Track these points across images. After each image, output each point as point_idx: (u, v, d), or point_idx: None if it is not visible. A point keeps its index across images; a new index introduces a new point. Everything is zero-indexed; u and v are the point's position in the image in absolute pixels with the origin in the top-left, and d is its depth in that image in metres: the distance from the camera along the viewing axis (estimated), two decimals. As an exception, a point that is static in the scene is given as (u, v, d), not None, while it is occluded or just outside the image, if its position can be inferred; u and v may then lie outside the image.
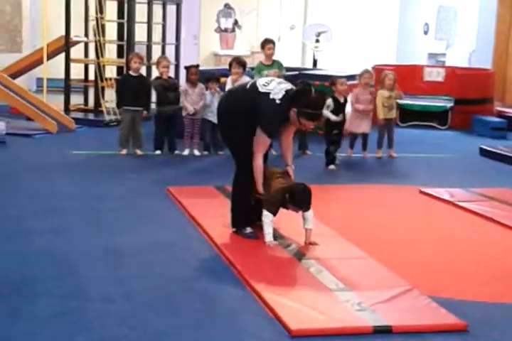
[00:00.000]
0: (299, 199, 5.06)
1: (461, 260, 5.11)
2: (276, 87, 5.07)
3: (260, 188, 5.19)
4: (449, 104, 12.44)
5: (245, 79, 7.86)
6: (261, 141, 5.10)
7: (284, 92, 5.04)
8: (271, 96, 5.02)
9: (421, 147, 10.21)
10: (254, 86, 5.16)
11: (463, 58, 15.33)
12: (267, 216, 5.09)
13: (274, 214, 5.12)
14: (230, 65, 8.46)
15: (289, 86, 5.15)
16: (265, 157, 5.36)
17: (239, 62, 8.46)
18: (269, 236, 5.08)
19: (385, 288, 4.29)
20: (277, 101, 5.00)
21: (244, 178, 5.27)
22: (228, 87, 8.12)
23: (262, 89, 5.08)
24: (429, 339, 3.73)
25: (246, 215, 5.35)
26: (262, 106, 5.04)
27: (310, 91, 5.07)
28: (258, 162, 5.13)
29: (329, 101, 8.41)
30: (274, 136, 5.22)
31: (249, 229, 5.30)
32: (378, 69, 13.09)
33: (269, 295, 4.11)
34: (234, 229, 5.38)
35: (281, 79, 5.45)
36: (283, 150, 5.38)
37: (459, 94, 12.42)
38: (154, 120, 9.06)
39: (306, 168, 7.82)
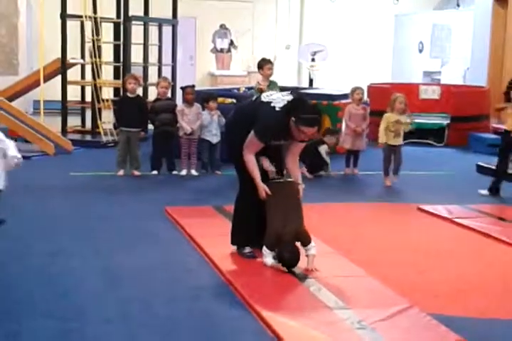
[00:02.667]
0: (283, 262, 4.96)
1: (460, 277, 5.10)
2: (279, 97, 5.10)
3: (260, 184, 5.03)
4: (445, 122, 12.49)
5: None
6: (251, 142, 5.03)
7: (285, 102, 5.03)
8: (272, 105, 5.03)
9: (418, 164, 10.22)
10: (258, 97, 5.25)
11: (458, 76, 15.42)
12: (266, 256, 5.01)
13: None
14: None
15: (291, 98, 5.14)
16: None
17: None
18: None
19: (385, 306, 4.28)
20: (277, 109, 4.99)
21: (248, 197, 5.22)
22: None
23: (264, 99, 5.12)
24: (430, 356, 3.73)
25: (246, 234, 5.31)
26: (261, 113, 5.05)
27: (304, 99, 5.14)
28: (249, 157, 5.04)
29: (326, 148, 9.02)
30: (266, 142, 5.04)
31: (248, 249, 5.29)
32: (373, 88, 13.18)
33: (269, 315, 4.10)
34: (233, 247, 5.37)
35: (286, 93, 5.35)
36: (288, 170, 5.26)
37: (455, 111, 12.47)
38: (152, 140, 9.09)
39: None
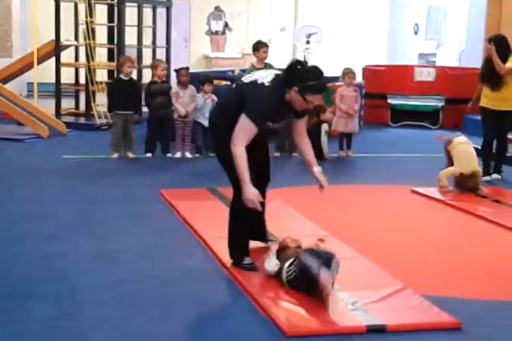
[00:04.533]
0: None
1: (454, 258, 5.11)
2: (262, 74, 4.54)
3: (249, 189, 4.28)
4: (440, 104, 12.48)
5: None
6: (243, 129, 4.29)
7: (273, 76, 4.43)
8: (259, 82, 4.40)
9: (412, 147, 10.22)
10: (239, 81, 4.63)
11: (453, 58, 15.38)
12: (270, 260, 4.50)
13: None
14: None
15: (277, 71, 4.57)
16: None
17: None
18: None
19: (378, 288, 4.29)
20: (266, 84, 4.36)
21: (243, 204, 4.42)
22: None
23: (247, 80, 4.52)
24: (423, 337, 3.74)
25: (245, 245, 4.72)
26: (249, 92, 4.38)
27: (302, 62, 4.47)
28: (239, 149, 4.26)
29: (326, 126, 8.88)
30: (262, 125, 4.35)
31: (247, 260, 4.66)
32: (369, 70, 13.15)
33: (263, 297, 4.11)
34: (232, 261, 4.71)
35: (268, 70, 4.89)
36: (301, 152, 4.69)
37: (450, 93, 12.46)
38: (147, 123, 9.06)
39: (298, 169, 7.83)
